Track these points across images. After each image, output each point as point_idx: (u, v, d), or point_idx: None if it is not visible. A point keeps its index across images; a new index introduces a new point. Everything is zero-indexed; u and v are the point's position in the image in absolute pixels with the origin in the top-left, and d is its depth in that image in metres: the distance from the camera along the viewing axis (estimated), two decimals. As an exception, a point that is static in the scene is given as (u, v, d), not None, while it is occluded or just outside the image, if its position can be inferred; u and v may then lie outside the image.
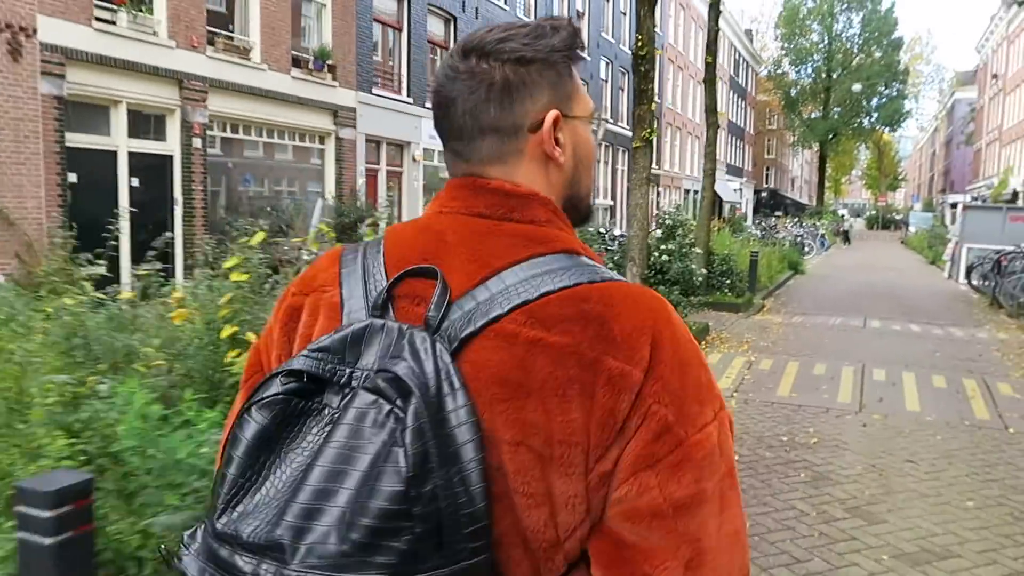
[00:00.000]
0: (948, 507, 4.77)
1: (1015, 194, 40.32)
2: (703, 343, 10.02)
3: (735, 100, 57.37)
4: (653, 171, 39.04)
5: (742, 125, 59.95)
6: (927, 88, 68.37)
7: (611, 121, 31.17)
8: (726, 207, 52.13)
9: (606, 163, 31.34)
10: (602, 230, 21.75)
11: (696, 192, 46.61)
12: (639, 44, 9.29)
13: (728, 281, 13.82)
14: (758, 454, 5.72)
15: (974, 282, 19.05)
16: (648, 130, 9.44)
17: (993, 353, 10.01)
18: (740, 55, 58.13)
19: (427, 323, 0.83)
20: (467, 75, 0.92)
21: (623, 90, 32.84)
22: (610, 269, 0.92)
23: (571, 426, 0.80)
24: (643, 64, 9.35)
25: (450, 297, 0.85)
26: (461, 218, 0.93)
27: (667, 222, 11.50)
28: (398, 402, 0.76)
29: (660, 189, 39.14)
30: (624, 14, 32.38)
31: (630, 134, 31.52)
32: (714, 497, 0.82)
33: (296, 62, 14.85)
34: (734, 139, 57.44)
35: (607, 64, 31.10)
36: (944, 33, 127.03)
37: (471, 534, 0.74)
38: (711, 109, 13.65)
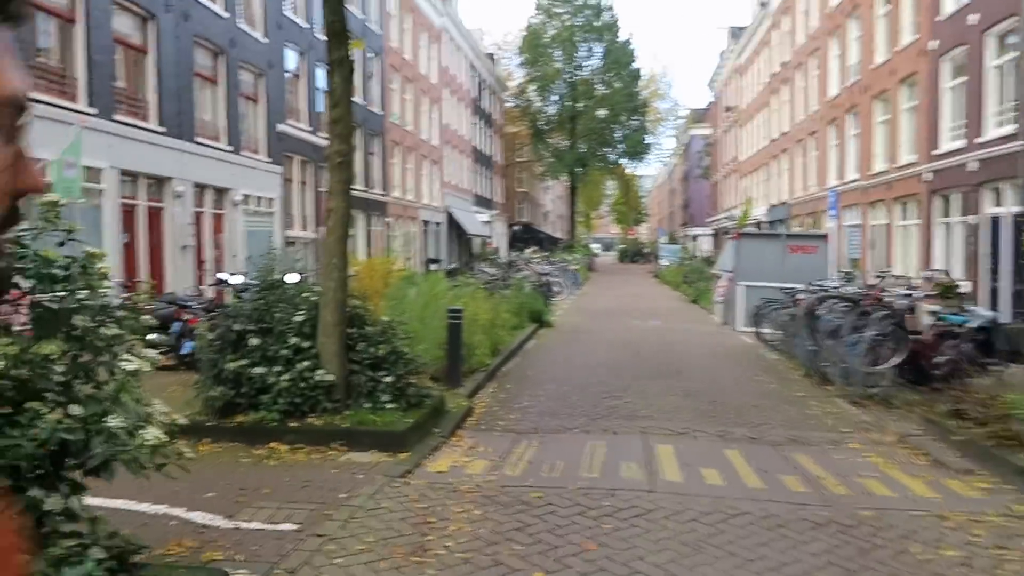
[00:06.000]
0: None
1: (759, 224, 38.97)
2: None
3: (481, 127, 52.80)
4: (378, 196, 32.49)
5: (489, 154, 55.48)
6: (665, 126, 68.35)
7: (309, 130, 23.84)
8: (475, 241, 46.91)
9: (302, 183, 23.85)
10: (224, 276, 14.23)
11: (438, 224, 40.64)
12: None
13: (389, 378, 6.89)
14: None
15: (763, 331, 14.06)
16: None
17: (959, 573, 3.93)
18: (483, 80, 53.79)
19: None
20: None
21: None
22: None
23: None
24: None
25: None
26: None
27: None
28: None
29: (389, 219, 32.34)
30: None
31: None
32: None
33: None
34: (482, 168, 52.71)
35: (301, 55, 23.80)
36: (678, 72, 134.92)
37: None
38: (336, 30, 6.67)
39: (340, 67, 6.73)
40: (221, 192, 19.02)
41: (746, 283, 16.33)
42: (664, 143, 77.50)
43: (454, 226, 42.63)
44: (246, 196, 20.04)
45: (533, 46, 54.24)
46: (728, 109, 53.69)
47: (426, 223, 37.87)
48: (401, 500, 5.02)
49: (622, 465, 6.03)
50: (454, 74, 43.84)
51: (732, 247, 17.92)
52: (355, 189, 27.09)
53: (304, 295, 7.10)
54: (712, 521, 4.74)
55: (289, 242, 22.37)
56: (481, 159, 52.32)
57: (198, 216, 17.88)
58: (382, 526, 4.51)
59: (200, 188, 17.88)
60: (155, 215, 16.13)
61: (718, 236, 51.00)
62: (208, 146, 18.16)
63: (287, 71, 22.99)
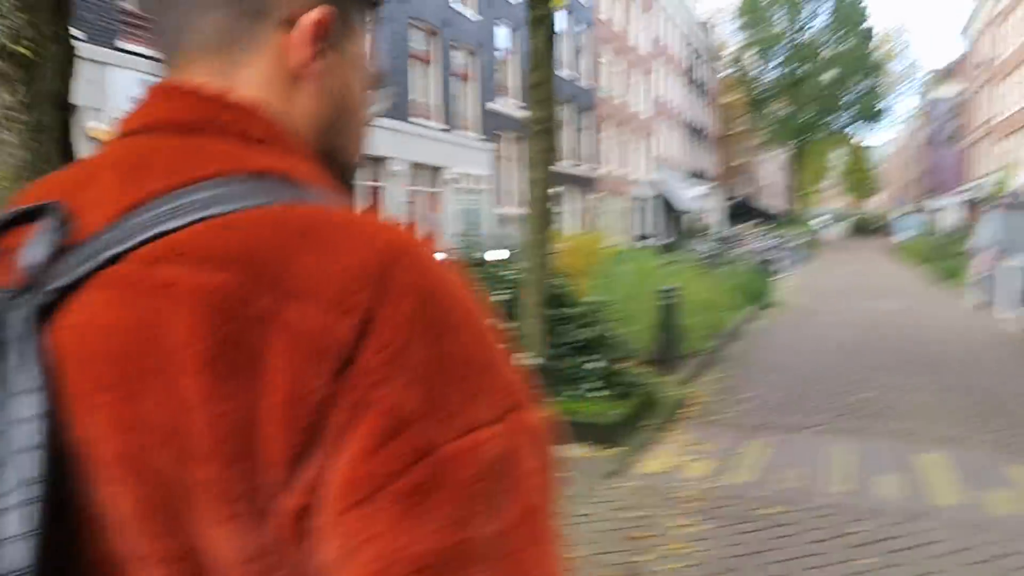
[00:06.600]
0: None
1: (1017, 195, 33.91)
2: None
3: (694, 97, 50.57)
4: (587, 172, 31.91)
5: (703, 126, 53.04)
6: (901, 88, 61.79)
7: (520, 106, 23.79)
8: (688, 216, 45.12)
9: (512, 160, 23.91)
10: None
11: (649, 199, 39.41)
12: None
13: (600, 363, 6.30)
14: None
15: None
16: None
17: None
18: (697, 49, 51.39)
19: (25, 280, 0.48)
20: None
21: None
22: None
23: (224, 426, 0.44)
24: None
25: (72, 239, 0.50)
26: (140, 139, 0.54)
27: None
28: None
29: (599, 195, 31.83)
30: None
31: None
32: (496, 555, 0.44)
33: None
34: (695, 140, 50.52)
35: (512, 31, 23.79)
36: (919, 28, 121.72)
37: None
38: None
39: (540, 26, 6.18)
40: (435, 171, 19.46)
41: (1014, 262, 13.95)
42: (899, 107, 70.30)
43: (666, 201, 41.22)
44: (459, 174, 20.37)
45: (752, 9, 51.17)
46: (982, 64, 47.24)
47: (637, 198, 36.89)
48: (608, 507, 4.42)
49: (875, 479, 5.01)
50: (665, 44, 42.18)
51: (995, 220, 15.40)
52: (566, 164, 26.81)
53: (505, 274, 6.70)
54: (1011, 567, 3.67)
55: (500, 219, 22.55)
56: (694, 131, 50.19)
57: (414, 195, 18.41)
58: (585, 540, 3.94)
59: (415, 167, 18.37)
60: (374, 195, 16.76)
61: (971, 207, 45.20)
62: (422, 125, 18.60)
63: (497, 49, 23.07)
